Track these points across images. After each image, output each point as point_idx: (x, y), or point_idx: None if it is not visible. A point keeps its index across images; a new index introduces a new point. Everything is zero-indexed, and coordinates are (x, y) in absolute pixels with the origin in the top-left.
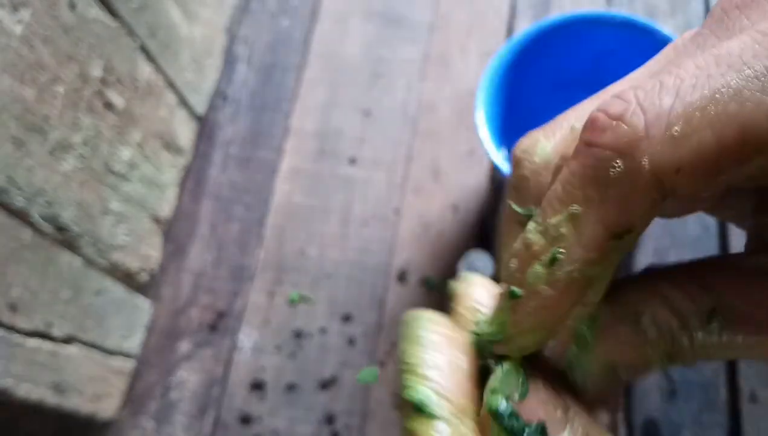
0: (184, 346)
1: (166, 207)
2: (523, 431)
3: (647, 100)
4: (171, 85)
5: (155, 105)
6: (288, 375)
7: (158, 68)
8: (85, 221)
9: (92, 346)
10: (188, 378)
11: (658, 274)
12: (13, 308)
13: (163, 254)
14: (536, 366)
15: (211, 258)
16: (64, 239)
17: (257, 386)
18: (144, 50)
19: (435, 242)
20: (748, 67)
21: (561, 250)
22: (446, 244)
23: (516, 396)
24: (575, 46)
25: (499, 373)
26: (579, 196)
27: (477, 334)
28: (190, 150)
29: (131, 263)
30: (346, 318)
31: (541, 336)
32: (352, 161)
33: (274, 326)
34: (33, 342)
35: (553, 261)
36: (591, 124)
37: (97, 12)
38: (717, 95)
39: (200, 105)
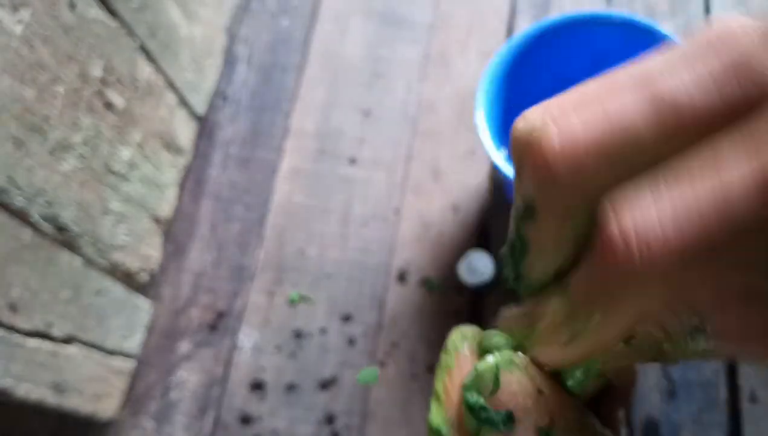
0: (184, 346)
1: (166, 207)
2: (492, 419)
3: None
4: (171, 85)
5: (155, 105)
6: (288, 375)
7: (158, 68)
8: (85, 221)
9: (92, 346)
10: (188, 378)
11: None
12: (13, 308)
13: (163, 254)
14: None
15: (211, 258)
16: (64, 239)
17: (257, 386)
18: (144, 50)
19: (435, 242)
20: None
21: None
22: (446, 244)
23: (488, 392)
24: (575, 46)
25: (473, 372)
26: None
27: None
28: (190, 150)
29: (131, 263)
30: (346, 318)
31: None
32: (352, 161)
33: (274, 326)
34: (33, 342)
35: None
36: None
37: (97, 12)
38: None
39: (200, 105)
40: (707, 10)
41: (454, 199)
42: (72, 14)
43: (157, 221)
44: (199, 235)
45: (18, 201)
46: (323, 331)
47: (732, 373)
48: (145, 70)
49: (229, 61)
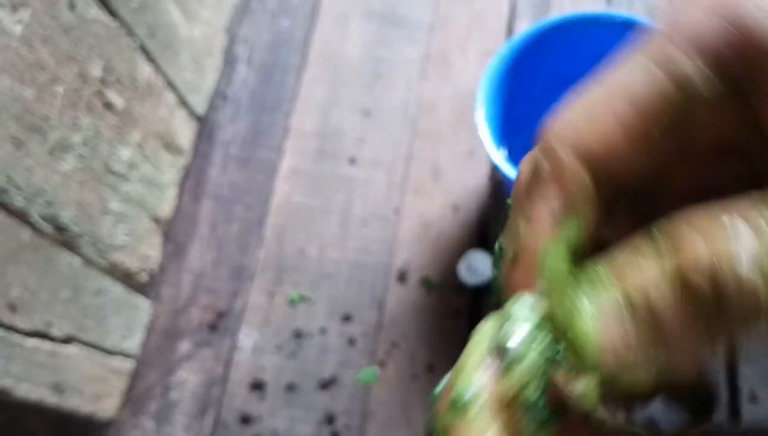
0: (184, 346)
1: (165, 207)
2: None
3: None
4: (171, 85)
5: (155, 105)
6: (288, 375)
7: (158, 68)
8: (84, 221)
9: (92, 346)
10: (188, 378)
11: None
12: (12, 308)
13: (163, 254)
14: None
15: (211, 258)
16: (64, 238)
17: (257, 386)
18: (144, 50)
19: (435, 242)
20: None
21: None
22: (446, 244)
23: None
24: (575, 47)
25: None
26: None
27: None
28: (189, 150)
29: (131, 262)
30: (346, 318)
31: None
32: (352, 161)
33: (274, 326)
34: (32, 342)
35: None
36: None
37: (96, 12)
38: None
39: (200, 105)
40: None
41: (454, 199)
42: (72, 14)
43: (156, 221)
44: (199, 235)
45: (17, 201)
46: (323, 331)
47: (732, 373)
48: (144, 70)
49: (229, 61)
